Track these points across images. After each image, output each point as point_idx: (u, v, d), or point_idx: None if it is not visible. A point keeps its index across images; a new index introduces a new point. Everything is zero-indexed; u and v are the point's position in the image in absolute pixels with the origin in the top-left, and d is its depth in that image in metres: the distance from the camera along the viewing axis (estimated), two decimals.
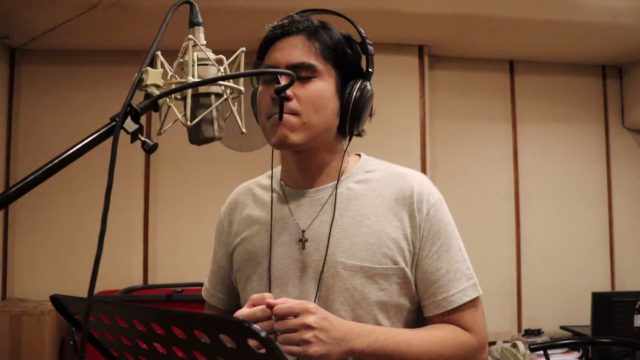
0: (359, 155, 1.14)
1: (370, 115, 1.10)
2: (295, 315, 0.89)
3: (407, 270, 1.03)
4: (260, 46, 1.08)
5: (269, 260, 1.06)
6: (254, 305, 0.92)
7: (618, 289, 3.48)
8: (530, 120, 3.53)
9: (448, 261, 1.03)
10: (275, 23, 1.08)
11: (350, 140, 1.10)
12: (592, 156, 3.57)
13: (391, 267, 1.02)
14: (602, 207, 3.55)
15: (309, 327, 0.88)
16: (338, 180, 1.07)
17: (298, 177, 1.09)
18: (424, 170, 3.15)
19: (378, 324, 1.02)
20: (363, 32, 1.08)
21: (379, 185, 1.07)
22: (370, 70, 1.07)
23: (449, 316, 1.03)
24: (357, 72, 1.07)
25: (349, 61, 1.06)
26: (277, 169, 1.16)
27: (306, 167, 1.08)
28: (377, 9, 2.66)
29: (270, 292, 1.04)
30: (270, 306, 0.90)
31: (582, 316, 3.05)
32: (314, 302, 1.01)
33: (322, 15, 1.11)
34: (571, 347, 2.88)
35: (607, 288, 3.47)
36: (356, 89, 1.04)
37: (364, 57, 1.09)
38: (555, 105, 3.56)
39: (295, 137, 1.00)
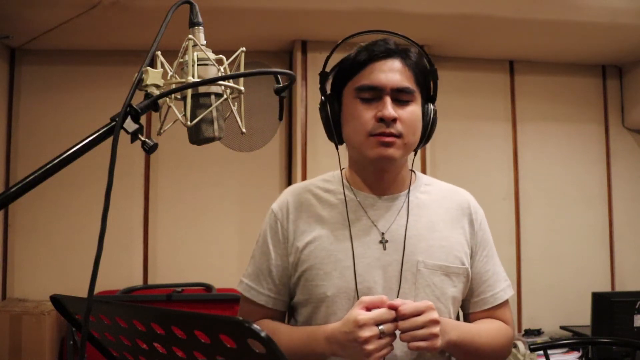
0: (412, 170, 1.26)
1: None
2: (419, 314, 0.99)
3: (470, 270, 1.19)
4: (347, 64, 1.15)
5: (352, 258, 1.13)
6: (368, 308, 1.01)
7: (618, 289, 3.47)
8: (530, 120, 3.52)
9: (493, 264, 1.22)
10: (362, 44, 1.15)
11: (415, 155, 1.20)
12: (592, 156, 3.57)
13: (460, 267, 1.16)
14: (602, 207, 3.55)
15: (436, 323, 1.00)
16: (409, 190, 1.20)
17: (374, 185, 1.19)
18: (424, 170, 3.15)
19: (450, 316, 1.15)
20: (431, 60, 1.17)
21: (439, 198, 1.22)
22: (436, 95, 1.18)
23: (492, 311, 1.20)
24: (429, 95, 1.18)
25: (427, 85, 1.17)
26: (336, 173, 1.24)
27: (384, 177, 1.19)
28: (377, 9, 2.66)
29: (356, 289, 1.11)
30: (393, 307, 1.00)
31: (582, 316, 3.05)
32: (396, 297, 1.11)
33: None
34: (571, 347, 2.88)
35: (607, 288, 3.47)
36: (432, 113, 1.16)
37: None
38: (555, 105, 3.55)
39: (397, 154, 1.12)
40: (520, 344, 2.77)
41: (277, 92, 0.93)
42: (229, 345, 0.54)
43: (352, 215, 1.17)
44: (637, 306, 2.63)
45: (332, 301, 1.12)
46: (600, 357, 2.07)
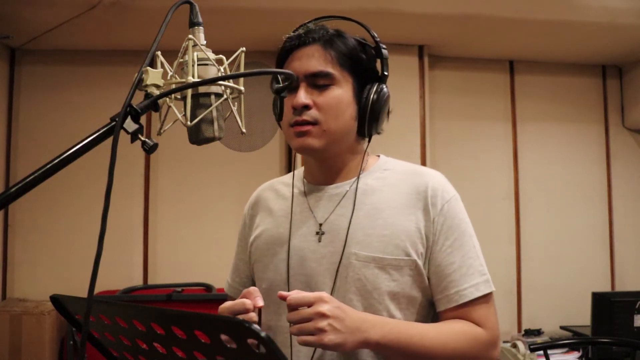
0: (379, 156, 1.19)
1: (388, 114, 1.14)
2: (309, 305, 0.90)
3: (420, 263, 1.05)
4: (278, 56, 1.12)
5: (287, 251, 1.10)
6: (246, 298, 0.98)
7: (618, 289, 3.47)
8: (530, 120, 3.53)
9: (461, 256, 1.06)
10: (291, 33, 1.12)
11: (369, 141, 1.14)
12: (592, 156, 3.57)
13: (403, 259, 1.04)
14: (602, 207, 3.55)
15: (323, 316, 0.89)
16: (358, 177, 1.12)
17: (320, 176, 1.15)
18: None
19: (390, 314, 1.03)
20: (377, 36, 1.12)
21: (395, 182, 1.11)
22: (385, 73, 1.11)
23: (461, 311, 1.05)
24: (373, 76, 1.11)
25: (364, 66, 1.10)
26: (301, 168, 1.23)
27: (328, 168, 1.13)
28: (377, 9, 2.66)
29: (288, 282, 1.09)
30: (282, 297, 0.93)
31: (582, 316, 3.05)
32: (330, 292, 1.04)
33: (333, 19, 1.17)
34: (571, 347, 2.88)
35: (607, 288, 3.47)
36: (373, 93, 1.08)
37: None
38: (555, 105, 3.56)
39: (316, 143, 1.05)
40: (520, 344, 2.77)
41: (277, 92, 0.93)
42: (229, 345, 0.54)
43: (297, 207, 1.15)
44: (637, 306, 2.63)
45: (266, 294, 1.09)
46: (600, 357, 2.07)
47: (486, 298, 1.06)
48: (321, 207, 1.12)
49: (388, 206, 1.08)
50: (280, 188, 1.22)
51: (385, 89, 1.10)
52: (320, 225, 1.10)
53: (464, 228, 1.08)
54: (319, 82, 1.05)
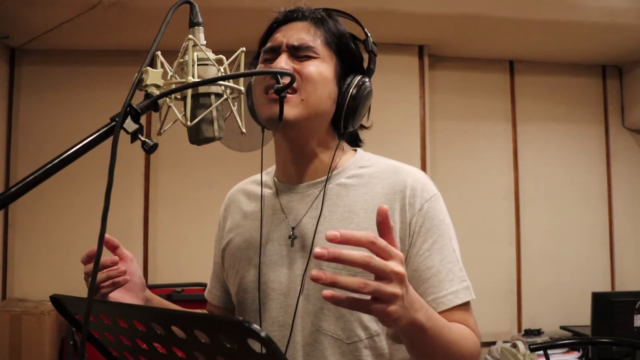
0: (355, 150, 1.12)
1: (368, 114, 1.08)
2: (382, 256, 0.70)
3: None
4: (265, 31, 1.08)
5: (259, 257, 1.04)
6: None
7: (618, 289, 3.48)
8: (530, 120, 3.53)
9: (440, 260, 0.97)
10: (281, 9, 1.07)
11: (343, 135, 1.07)
12: (592, 156, 3.57)
13: None
14: (602, 207, 3.55)
15: (402, 281, 0.71)
16: (328, 175, 1.04)
17: (291, 170, 1.08)
18: (423, 170, 3.15)
19: (363, 325, 0.97)
20: (367, 30, 1.08)
21: (371, 181, 1.03)
22: (371, 67, 1.06)
23: None
24: (358, 68, 1.06)
25: (351, 54, 1.05)
26: (273, 167, 1.17)
27: (299, 157, 1.06)
28: (377, 9, 2.66)
29: (259, 290, 1.03)
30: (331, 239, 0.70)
31: (582, 316, 3.05)
32: (297, 300, 0.99)
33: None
34: (571, 347, 2.88)
35: (607, 288, 3.47)
36: (355, 82, 1.02)
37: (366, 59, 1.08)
38: (555, 105, 3.56)
39: (290, 112, 0.97)
40: (520, 344, 2.77)
41: (277, 92, 0.92)
42: (229, 345, 0.54)
43: (269, 209, 1.08)
44: (637, 306, 2.63)
45: (238, 300, 1.07)
46: (600, 357, 2.07)
47: (465, 306, 0.97)
48: (293, 208, 1.05)
49: (362, 208, 1.00)
50: (252, 188, 1.16)
51: (368, 83, 1.03)
52: (293, 228, 1.03)
53: (444, 230, 1.00)
54: (301, 53, 1.00)
